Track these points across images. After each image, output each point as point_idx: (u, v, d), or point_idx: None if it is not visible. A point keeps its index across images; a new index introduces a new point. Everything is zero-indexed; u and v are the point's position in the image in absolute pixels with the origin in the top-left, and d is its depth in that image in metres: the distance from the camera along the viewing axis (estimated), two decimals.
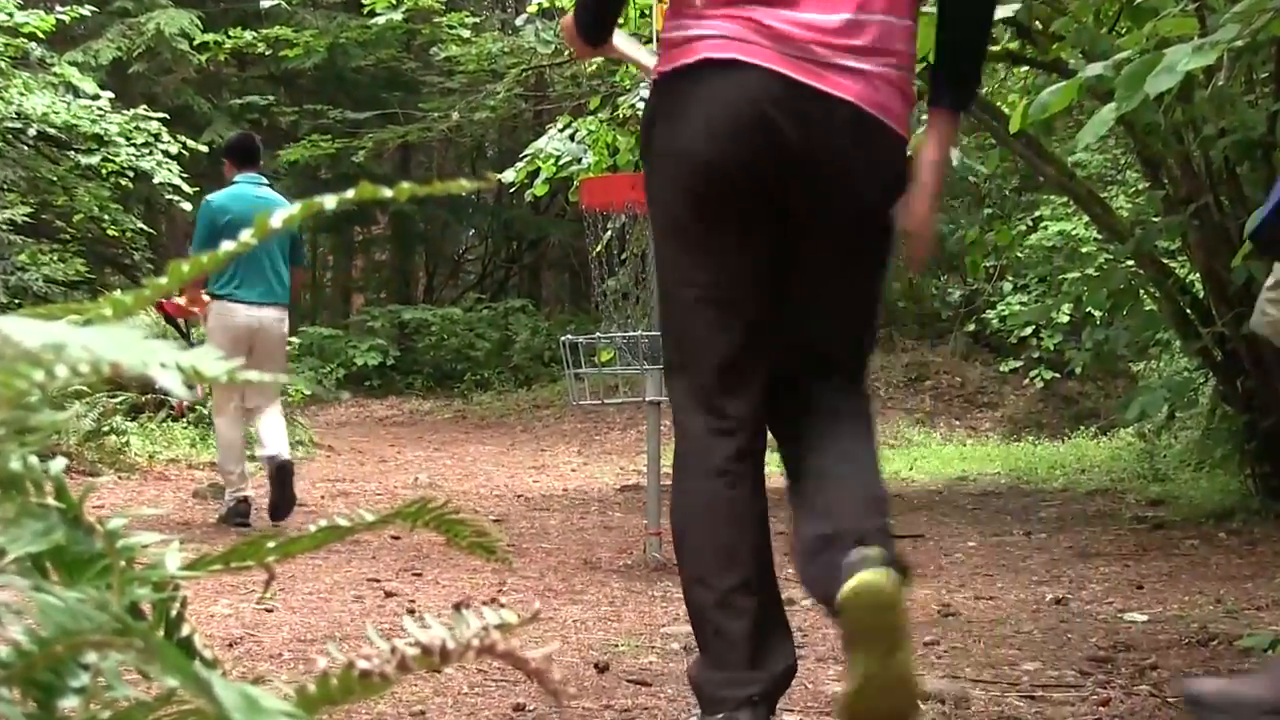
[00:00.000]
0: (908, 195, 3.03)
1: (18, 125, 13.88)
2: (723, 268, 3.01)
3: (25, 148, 15.08)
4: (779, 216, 2.99)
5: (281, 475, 8.44)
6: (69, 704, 1.02)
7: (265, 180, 9.01)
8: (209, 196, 8.97)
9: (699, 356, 3.08)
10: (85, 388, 10.43)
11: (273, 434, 8.67)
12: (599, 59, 4.11)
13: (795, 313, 3.10)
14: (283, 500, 8.42)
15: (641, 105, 10.32)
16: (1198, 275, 8.92)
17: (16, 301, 13.67)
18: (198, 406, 12.70)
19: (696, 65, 2.93)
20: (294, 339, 17.52)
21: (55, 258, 15.98)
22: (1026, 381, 17.56)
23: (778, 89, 2.87)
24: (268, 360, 8.55)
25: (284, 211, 1.08)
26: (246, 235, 1.05)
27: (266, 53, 18.47)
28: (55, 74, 14.62)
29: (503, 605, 0.98)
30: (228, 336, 8.52)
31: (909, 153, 3.01)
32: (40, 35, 13.92)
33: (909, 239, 3.06)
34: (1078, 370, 13.08)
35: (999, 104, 9.84)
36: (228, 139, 9.87)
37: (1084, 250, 13.08)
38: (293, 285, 8.90)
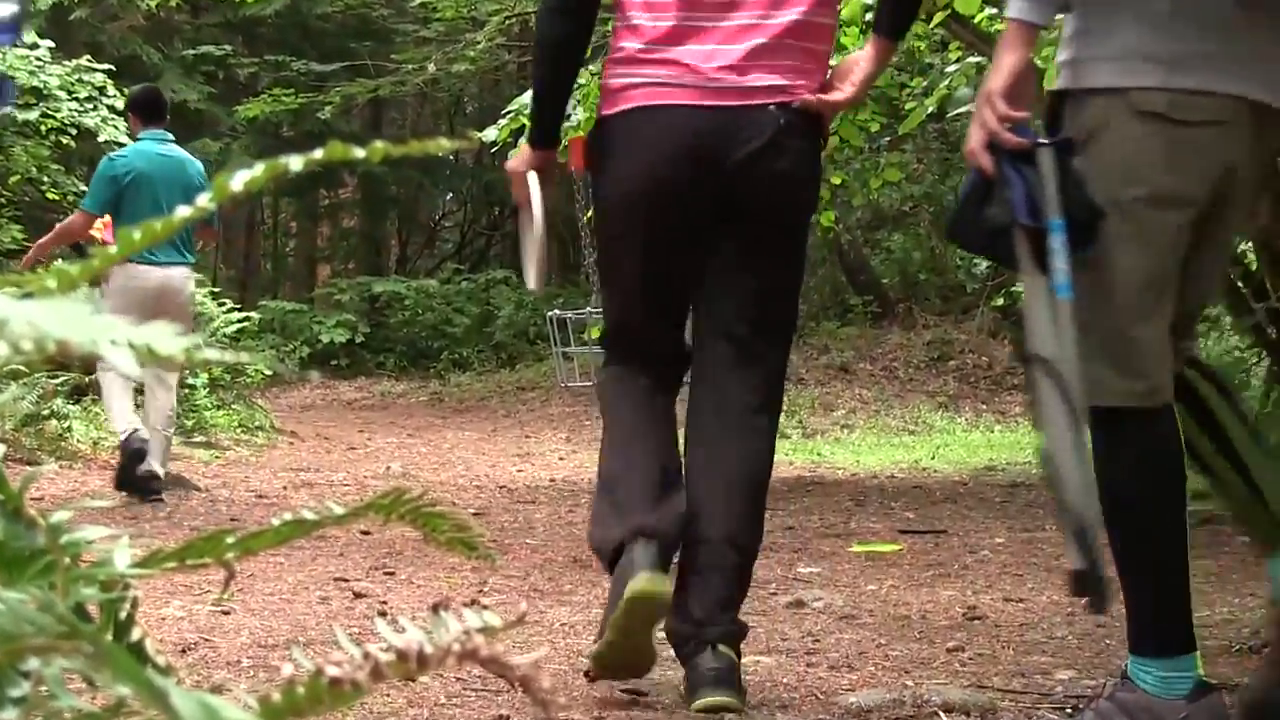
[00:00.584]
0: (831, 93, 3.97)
1: None
2: (658, 273, 4.04)
3: None
4: (716, 224, 3.94)
5: (138, 454, 8.97)
6: (7, 715, 1.02)
7: (171, 137, 9.38)
8: (110, 153, 9.55)
9: (636, 343, 4.19)
10: (22, 367, 10.43)
11: (154, 408, 9.31)
12: None
13: (723, 301, 4.04)
14: (130, 477, 9.01)
15: None
16: (1250, 245, 8.92)
17: None
18: None
19: (634, 111, 3.89)
20: (253, 314, 17.53)
21: None
22: None
23: (701, 121, 3.82)
24: (176, 322, 8.63)
25: (244, 175, 1.08)
26: (204, 200, 1.05)
27: None
28: None
29: (484, 607, 0.98)
30: (135, 299, 8.80)
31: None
32: None
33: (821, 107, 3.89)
34: None
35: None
36: (132, 92, 10.13)
37: None
38: (200, 244, 9.70)
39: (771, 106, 3.85)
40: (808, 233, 4.19)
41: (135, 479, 8.95)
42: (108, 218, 9.04)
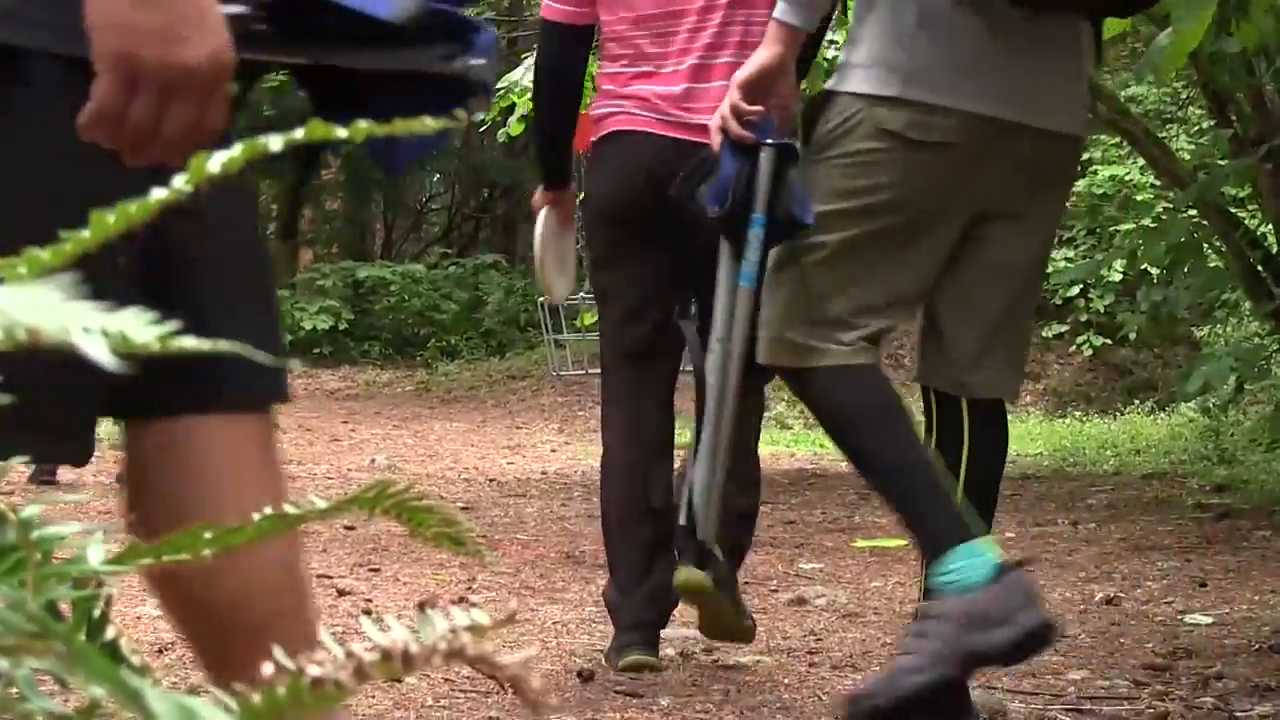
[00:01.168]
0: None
1: None
2: (633, 274, 4.67)
3: None
4: (674, 235, 4.53)
5: None
6: None
7: None
8: None
9: (617, 338, 4.77)
10: None
11: None
12: None
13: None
14: None
15: None
16: (1270, 227, 8.94)
17: None
18: None
19: (610, 135, 4.66)
20: None
21: None
22: (1073, 349, 17.60)
23: (657, 145, 4.52)
24: None
25: (221, 156, 1.07)
26: (179, 181, 1.05)
27: None
28: None
29: (473, 605, 0.98)
30: None
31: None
32: None
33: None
34: (1132, 336, 13.14)
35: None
36: None
37: (1139, 198, 13.11)
38: None
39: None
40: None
41: None
42: None
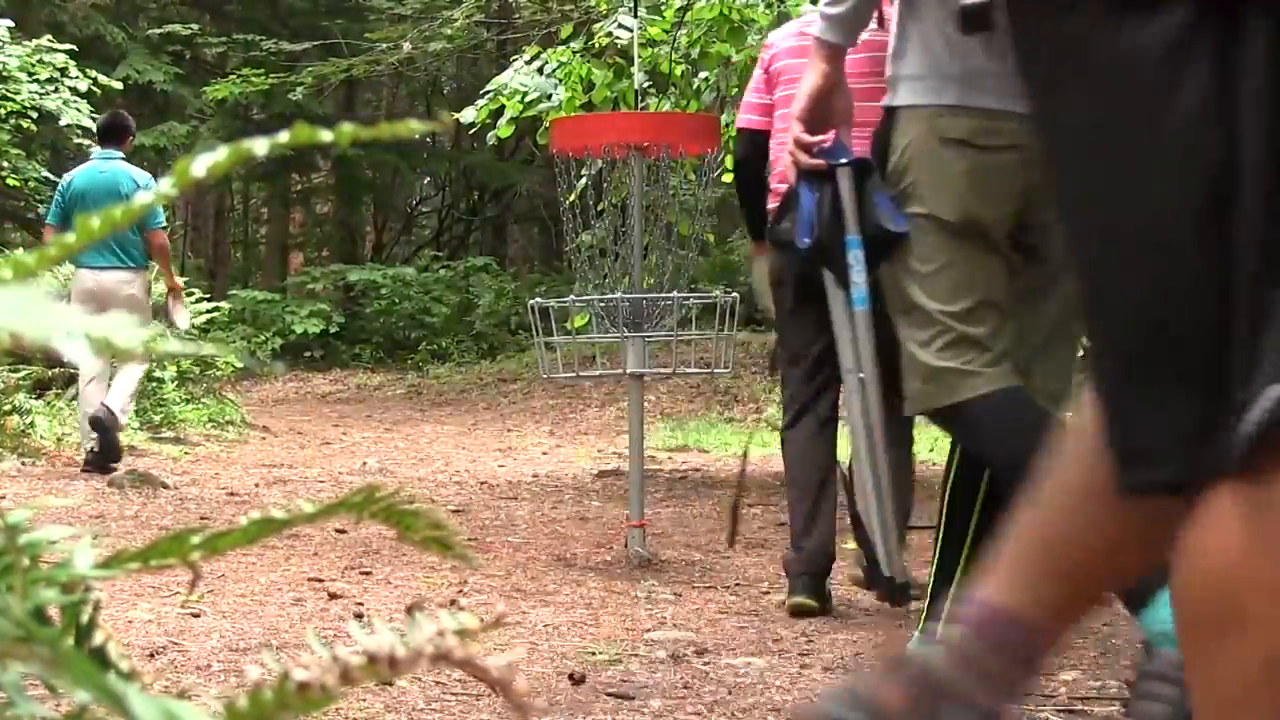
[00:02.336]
0: None
1: None
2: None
3: None
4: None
5: (96, 425, 10.28)
6: None
7: (118, 155, 10.78)
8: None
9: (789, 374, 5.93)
10: None
11: (114, 390, 10.55)
12: None
13: None
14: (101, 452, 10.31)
15: (619, 32, 10.33)
16: None
17: None
18: None
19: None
20: (223, 304, 17.55)
21: None
22: None
23: None
24: None
25: (207, 159, 1.07)
26: (166, 185, 1.05)
27: None
28: None
29: (462, 608, 0.98)
30: (77, 301, 10.28)
31: None
32: None
33: None
34: None
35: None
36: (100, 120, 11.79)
37: None
38: (153, 247, 10.68)
39: None
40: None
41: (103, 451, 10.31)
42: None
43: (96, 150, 11.00)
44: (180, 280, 11.41)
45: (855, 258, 3.72)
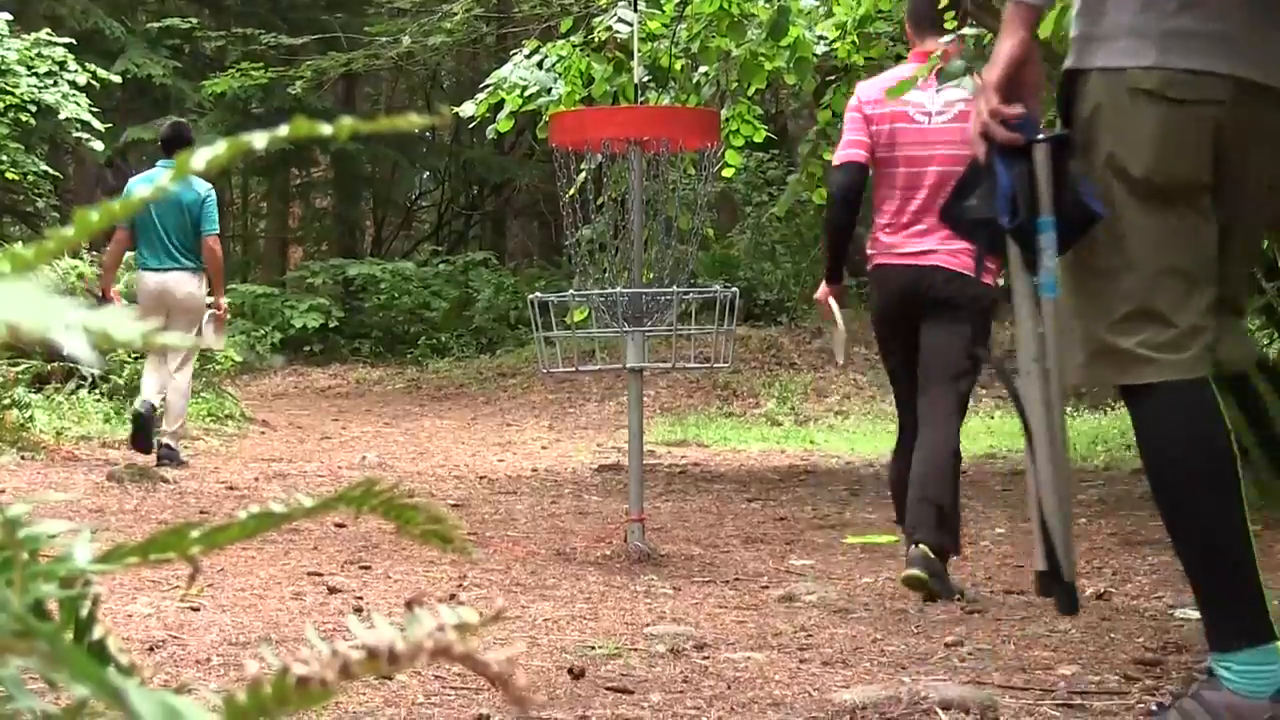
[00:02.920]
0: None
1: None
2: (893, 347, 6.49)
3: None
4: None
5: (138, 420, 10.83)
6: None
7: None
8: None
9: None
10: None
11: (169, 409, 11.14)
12: None
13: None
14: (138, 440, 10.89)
15: (618, 27, 10.32)
16: None
17: None
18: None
19: (876, 267, 6.41)
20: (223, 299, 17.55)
21: None
22: None
23: (902, 273, 6.31)
24: (180, 317, 11.00)
25: (206, 153, 1.07)
26: (161, 177, 1.05)
27: None
28: None
29: (462, 602, 0.98)
30: (142, 302, 11.14)
31: None
32: None
33: None
34: None
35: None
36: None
37: None
38: (208, 252, 11.20)
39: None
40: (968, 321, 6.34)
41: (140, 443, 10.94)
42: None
43: (161, 161, 11.63)
44: (225, 301, 11.63)
45: (1048, 240, 3.50)
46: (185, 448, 11.91)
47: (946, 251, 6.28)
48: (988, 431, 14.53)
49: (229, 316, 13.01)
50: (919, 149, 6.34)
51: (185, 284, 11.12)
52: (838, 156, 6.45)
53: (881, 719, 3.85)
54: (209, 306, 11.30)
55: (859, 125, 6.40)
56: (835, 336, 6.84)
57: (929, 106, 6.35)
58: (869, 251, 6.49)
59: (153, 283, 11.06)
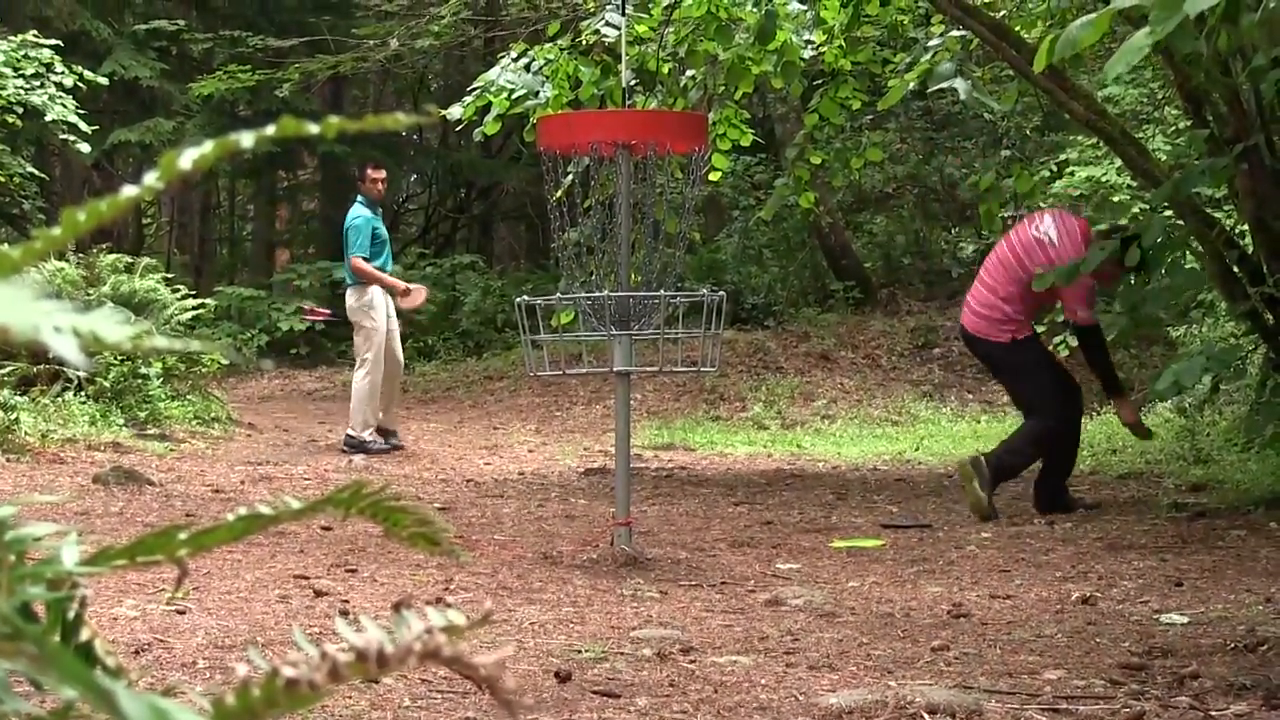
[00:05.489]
0: None
1: None
2: None
3: None
4: None
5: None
6: None
7: (356, 194, 13.77)
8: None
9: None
10: None
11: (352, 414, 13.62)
12: None
13: None
14: None
15: (606, 30, 10.33)
16: (1246, 226, 8.95)
17: None
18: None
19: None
20: (209, 300, 17.54)
21: None
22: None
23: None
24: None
25: (192, 152, 1.07)
26: (150, 178, 1.04)
27: None
28: None
29: (449, 605, 0.98)
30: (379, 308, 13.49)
31: None
32: None
33: None
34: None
35: (1018, 29, 9.85)
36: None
37: (1115, 199, 13.11)
38: (358, 270, 13.14)
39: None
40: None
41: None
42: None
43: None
44: (395, 280, 13.72)
45: None
46: (170, 450, 11.91)
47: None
48: (974, 436, 14.54)
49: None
50: None
51: (349, 298, 13.44)
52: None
53: None
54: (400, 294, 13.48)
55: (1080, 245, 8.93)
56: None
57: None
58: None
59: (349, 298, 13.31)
